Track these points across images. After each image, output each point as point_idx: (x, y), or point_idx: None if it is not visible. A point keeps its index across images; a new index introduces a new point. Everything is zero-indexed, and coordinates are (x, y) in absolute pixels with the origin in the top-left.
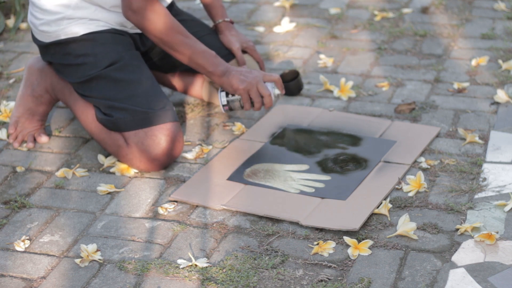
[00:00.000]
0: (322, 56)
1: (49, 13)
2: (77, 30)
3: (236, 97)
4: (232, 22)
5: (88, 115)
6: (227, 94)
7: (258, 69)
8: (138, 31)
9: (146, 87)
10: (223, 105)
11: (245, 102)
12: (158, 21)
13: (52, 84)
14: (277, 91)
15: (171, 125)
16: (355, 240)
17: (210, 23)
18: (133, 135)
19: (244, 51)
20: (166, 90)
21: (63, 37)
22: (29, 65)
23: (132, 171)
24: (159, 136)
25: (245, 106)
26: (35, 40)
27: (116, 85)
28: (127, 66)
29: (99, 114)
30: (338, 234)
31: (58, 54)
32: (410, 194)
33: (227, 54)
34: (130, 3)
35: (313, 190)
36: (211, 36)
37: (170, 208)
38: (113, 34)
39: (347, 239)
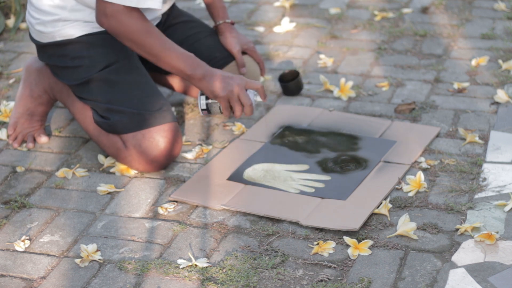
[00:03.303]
0: (322, 56)
1: (44, 14)
2: (73, 32)
3: (216, 101)
4: (233, 23)
5: (86, 117)
6: (207, 97)
7: (241, 76)
8: None
9: (142, 88)
10: (202, 110)
11: (225, 109)
12: (132, 24)
13: (50, 85)
14: (258, 99)
15: (169, 126)
16: (355, 240)
17: (210, 23)
18: (131, 138)
19: (244, 52)
20: (166, 91)
21: (58, 38)
22: (27, 65)
23: (132, 171)
24: (157, 138)
25: (224, 113)
26: (32, 38)
27: (113, 87)
28: (123, 68)
29: (96, 117)
30: (338, 234)
31: (53, 56)
32: (410, 194)
33: (227, 56)
34: (105, 7)
35: (313, 190)
36: (211, 37)
37: (170, 208)
38: (108, 35)
39: (347, 239)
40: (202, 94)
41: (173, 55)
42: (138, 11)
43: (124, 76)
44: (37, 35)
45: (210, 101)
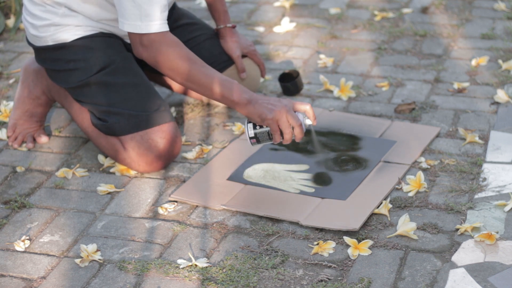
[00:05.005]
0: (322, 56)
1: (37, 18)
2: (66, 36)
3: (265, 128)
4: (234, 27)
5: (84, 119)
6: (254, 126)
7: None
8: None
9: (139, 89)
10: (251, 138)
11: (275, 133)
12: (172, 53)
13: (48, 86)
14: (308, 122)
15: (167, 126)
16: (355, 240)
17: (211, 23)
18: (130, 139)
19: (245, 55)
20: (165, 91)
21: (51, 43)
22: (25, 66)
23: (132, 171)
24: (156, 139)
25: (274, 138)
26: (28, 41)
27: (109, 89)
28: (118, 70)
29: (94, 119)
30: (338, 234)
31: (48, 59)
32: (410, 194)
33: (227, 60)
34: (141, 39)
35: (313, 190)
36: (211, 41)
37: (170, 208)
38: (102, 38)
39: (347, 239)
40: (249, 122)
41: (216, 82)
42: (173, 36)
43: (120, 78)
44: (31, 39)
45: (258, 127)
